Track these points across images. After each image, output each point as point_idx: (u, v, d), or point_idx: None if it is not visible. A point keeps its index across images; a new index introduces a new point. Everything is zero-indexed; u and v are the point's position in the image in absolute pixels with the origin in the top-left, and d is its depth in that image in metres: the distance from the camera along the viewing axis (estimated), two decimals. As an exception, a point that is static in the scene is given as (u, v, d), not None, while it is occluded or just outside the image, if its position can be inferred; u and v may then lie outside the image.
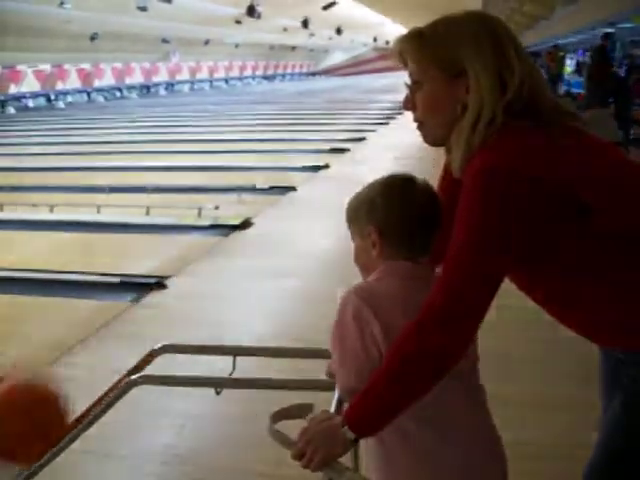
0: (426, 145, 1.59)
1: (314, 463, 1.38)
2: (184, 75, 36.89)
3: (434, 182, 1.63)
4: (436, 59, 1.47)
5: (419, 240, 1.52)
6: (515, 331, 3.87)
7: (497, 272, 1.40)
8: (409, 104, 1.54)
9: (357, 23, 32.50)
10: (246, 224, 6.80)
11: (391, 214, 1.51)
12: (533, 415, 3.01)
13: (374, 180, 1.59)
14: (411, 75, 1.52)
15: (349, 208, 1.61)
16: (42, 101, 27.44)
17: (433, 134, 1.54)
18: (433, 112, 1.51)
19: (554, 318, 1.57)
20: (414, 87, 1.52)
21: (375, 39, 41.86)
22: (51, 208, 7.67)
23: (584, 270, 1.45)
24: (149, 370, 1.95)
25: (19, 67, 25.85)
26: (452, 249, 1.40)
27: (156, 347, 2.00)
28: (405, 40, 1.52)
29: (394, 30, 34.79)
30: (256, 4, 22.92)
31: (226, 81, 41.02)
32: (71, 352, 3.93)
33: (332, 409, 1.50)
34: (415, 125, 1.56)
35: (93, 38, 24.12)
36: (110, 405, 1.88)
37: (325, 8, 24.42)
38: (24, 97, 26.55)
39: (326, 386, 1.63)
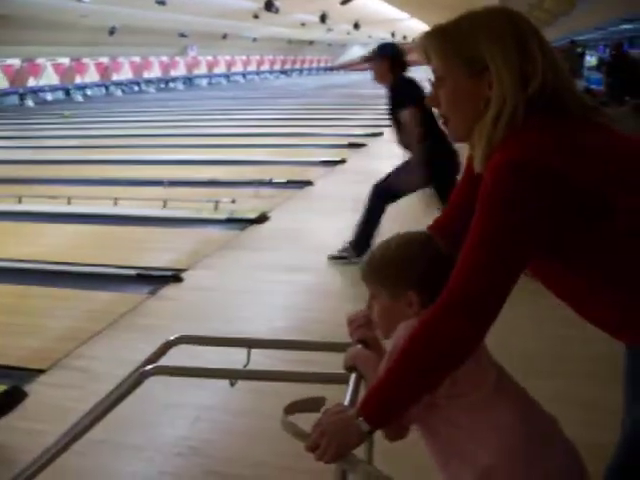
0: None
1: (328, 455, 1.38)
2: (202, 69, 36.97)
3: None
4: (459, 55, 1.46)
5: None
6: (530, 328, 3.85)
7: (514, 264, 1.38)
8: (434, 101, 1.54)
9: (375, 18, 32.38)
10: (263, 218, 6.80)
11: (428, 273, 1.52)
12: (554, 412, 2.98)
13: (392, 240, 1.60)
14: (435, 71, 1.52)
15: (372, 270, 1.60)
16: (60, 94, 27.61)
17: (457, 130, 1.54)
18: (456, 108, 1.50)
19: (577, 314, 1.54)
20: (438, 83, 1.52)
21: (393, 34, 41.66)
22: (69, 201, 7.69)
23: (605, 266, 1.43)
24: (163, 361, 1.94)
25: (38, 61, 26.03)
26: (471, 238, 1.39)
27: (171, 338, 2.00)
28: (429, 36, 1.52)
29: (412, 25, 34.69)
30: (274, -2, 22.90)
31: (243, 75, 41.04)
32: (87, 344, 3.95)
33: (346, 402, 1.50)
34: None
35: (111, 32, 24.22)
36: (124, 396, 1.89)
37: (343, 3, 24.34)
38: (43, 90, 26.74)
39: (341, 379, 1.62)
